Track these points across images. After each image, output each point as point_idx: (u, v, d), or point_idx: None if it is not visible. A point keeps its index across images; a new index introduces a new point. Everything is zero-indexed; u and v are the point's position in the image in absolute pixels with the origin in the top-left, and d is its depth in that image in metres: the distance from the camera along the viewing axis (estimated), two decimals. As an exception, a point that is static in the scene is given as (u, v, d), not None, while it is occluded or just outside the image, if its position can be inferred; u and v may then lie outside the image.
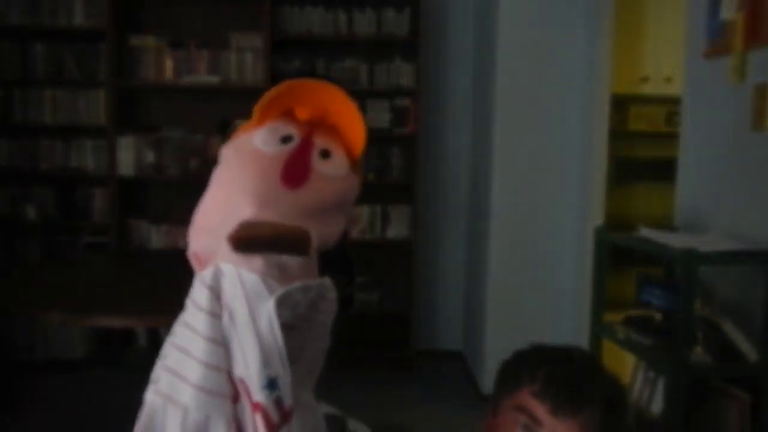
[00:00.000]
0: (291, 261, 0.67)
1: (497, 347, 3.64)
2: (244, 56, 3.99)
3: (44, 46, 3.95)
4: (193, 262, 0.73)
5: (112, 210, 3.96)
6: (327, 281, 0.70)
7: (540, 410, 0.95)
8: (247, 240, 0.66)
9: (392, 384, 3.86)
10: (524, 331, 3.61)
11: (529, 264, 3.67)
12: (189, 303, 0.69)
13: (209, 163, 4.02)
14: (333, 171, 0.73)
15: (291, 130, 0.73)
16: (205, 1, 4.08)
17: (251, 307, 0.65)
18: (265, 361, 0.64)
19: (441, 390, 3.86)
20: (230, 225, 0.67)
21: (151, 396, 0.68)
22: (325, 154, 0.73)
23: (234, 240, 0.66)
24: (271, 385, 0.65)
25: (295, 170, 0.70)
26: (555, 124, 3.62)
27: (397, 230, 4.11)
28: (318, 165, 0.72)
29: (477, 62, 4.18)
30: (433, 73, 4.23)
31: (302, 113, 0.76)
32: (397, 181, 4.11)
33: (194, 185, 4.64)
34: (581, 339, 3.30)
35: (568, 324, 3.64)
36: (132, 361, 4.00)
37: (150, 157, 4.00)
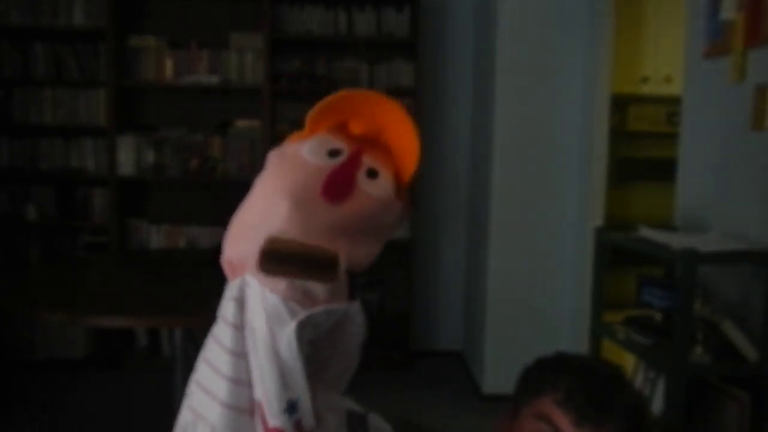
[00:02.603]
0: (316, 286, 0.65)
1: (497, 347, 3.64)
2: (244, 56, 3.99)
3: (44, 46, 3.94)
4: (226, 270, 0.70)
5: (112, 210, 3.96)
6: (355, 305, 0.68)
7: (562, 420, 0.93)
8: (273, 255, 0.63)
9: (392, 384, 3.85)
10: (524, 331, 3.63)
11: (529, 264, 3.67)
12: (218, 316, 0.67)
13: (209, 163, 4.02)
14: (377, 192, 0.70)
15: (340, 144, 0.71)
16: (205, 1, 4.08)
17: (271, 328, 0.63)
18: (285, 384, 0.63)
19: (441, 390, 3.86)
20: (263, 230, 0.65)
21: (184, 412, 0.67)
22: (372, 174, 0.71)
23: (260, 255, 0.64)
24: (291, 408, 0.63)
25: (337, 184, 0.68)
26: (555, 124, 3.62)
27: (397, 230, 4.10)
28: (363, 183, 0.69)
29: (477, 62, 4.18)
30: (433, 73, 4.23)
31: (356, 127, 0.73)
32: (397, 181, 4.10)
33: (194, 185, 4.61)
34: (581, 339, 3.30)
35: (568, 324, 3.64)
36: (132, 361, 4.00)
37: (150, 157, 4.00)
